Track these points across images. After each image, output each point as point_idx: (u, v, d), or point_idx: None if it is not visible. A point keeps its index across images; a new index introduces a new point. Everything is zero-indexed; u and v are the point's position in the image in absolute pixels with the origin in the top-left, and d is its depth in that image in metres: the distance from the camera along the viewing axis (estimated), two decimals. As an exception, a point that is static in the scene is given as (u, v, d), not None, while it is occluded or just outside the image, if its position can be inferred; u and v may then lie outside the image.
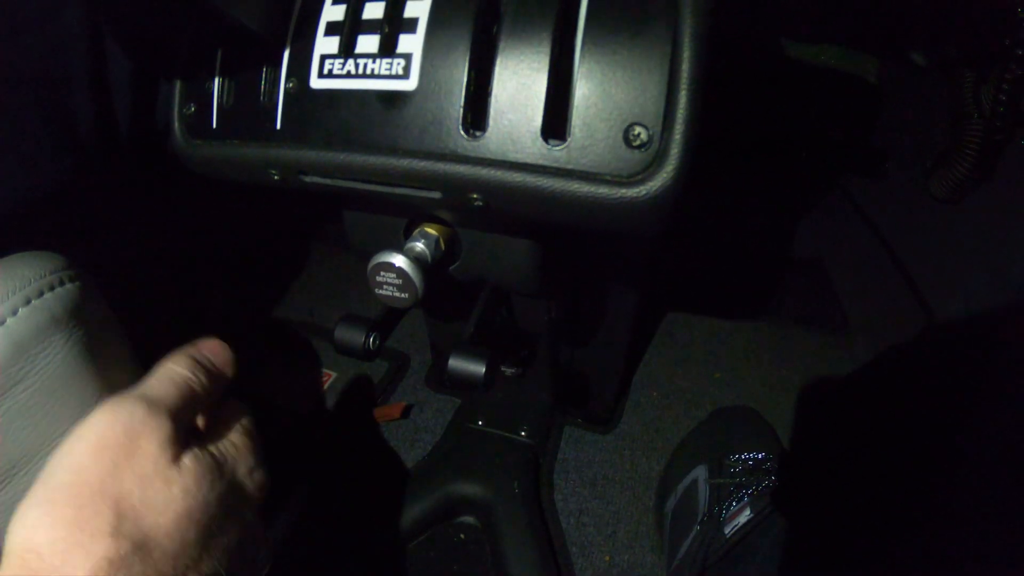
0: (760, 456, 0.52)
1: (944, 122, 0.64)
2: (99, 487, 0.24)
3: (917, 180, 0.71)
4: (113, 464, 0.25)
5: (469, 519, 0.56)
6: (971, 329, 0.52)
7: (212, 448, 0.29)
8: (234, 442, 0.31)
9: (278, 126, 0.29)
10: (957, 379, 0.48)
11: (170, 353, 0.30)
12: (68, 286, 0.28)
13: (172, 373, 0.29)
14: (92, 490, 0.24)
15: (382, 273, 0.32)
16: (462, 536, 0.55)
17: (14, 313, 0.26)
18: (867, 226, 0.85)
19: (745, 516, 0.46)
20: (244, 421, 0.32)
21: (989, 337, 0.44)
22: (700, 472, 0.53)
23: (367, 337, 0.37)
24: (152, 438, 0.26)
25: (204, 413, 0.31)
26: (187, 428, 0.28)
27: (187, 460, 0.27)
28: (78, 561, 0.22)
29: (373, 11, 0.27)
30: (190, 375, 0.30)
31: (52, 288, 0.27)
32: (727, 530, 0.46)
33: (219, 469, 0.29)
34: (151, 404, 0.27)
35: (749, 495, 0.48)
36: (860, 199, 0.88)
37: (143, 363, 0.34)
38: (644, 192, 0.24)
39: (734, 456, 0.53)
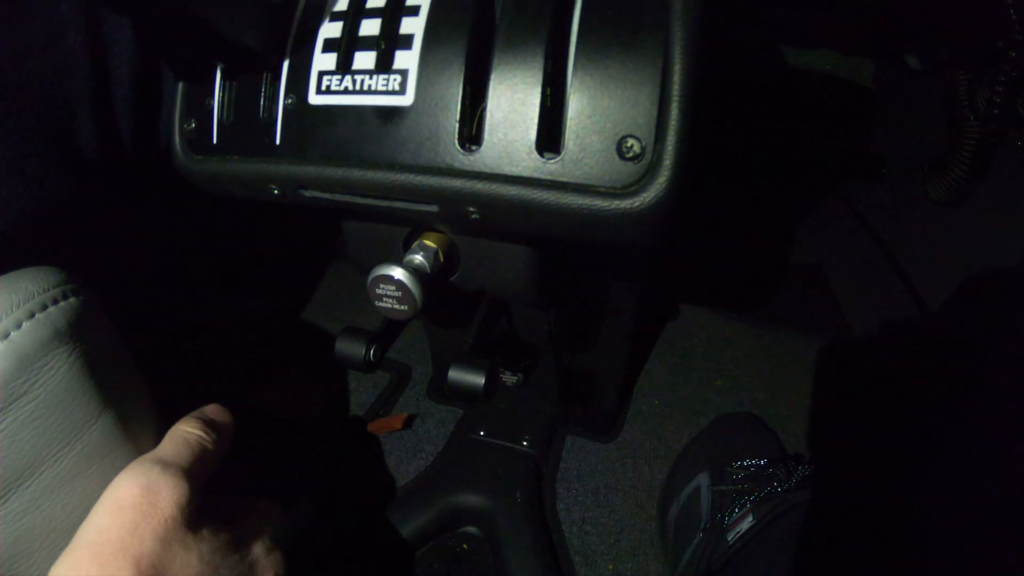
0: (762, 463, 0.52)
1: (940, 125, 0.65)
2: (119, 545, 0.26)
3: (915, 184, 0.71)
4: (133, 524, 0.27)
5: (472, 529, 0.56)
6: (970, 332, 0.52)
7: (235, 528, 0.32)
8: (259, 528, 0.33)
9: (277, 142, 0.30)
10: (956, 382, 0.48)
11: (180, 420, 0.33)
12: (71, 300, 0.28)
13: (183, 433, 0.32)
14: (113, 548, 0.26)
15: (381, 286, 0.32)
16: (465, 546, 0.55)
17: (18, 327, 0.26)
18: (866, 230, 0.85)
19: (747, 523, 0.46)
20: (274, 521, 0.35)
21: (988, 339, 0.44)
22: (702, 479, 0.53)
23: (367, 349, 0.37)
24: (169, 497, 0.28)
25: (234, 506, 0.34)
26: (202, 485, 0.31)
27: (206, 531, 0.29)
28: None
29: (369, 28, 0.28)
30: (200, 433, 0.32)
31: (55, 302, 0.28)
32: (730, 537, 0.46)
33: (237, 545, 0.31)
34: (166, 465, 0.29)
35: (752, 502, 0.48)
36: (858, 204, 0.88)
37: (144, 377, 0.34)
38: (638, 203, 0.24)
39: (736, 463, 0.53)
